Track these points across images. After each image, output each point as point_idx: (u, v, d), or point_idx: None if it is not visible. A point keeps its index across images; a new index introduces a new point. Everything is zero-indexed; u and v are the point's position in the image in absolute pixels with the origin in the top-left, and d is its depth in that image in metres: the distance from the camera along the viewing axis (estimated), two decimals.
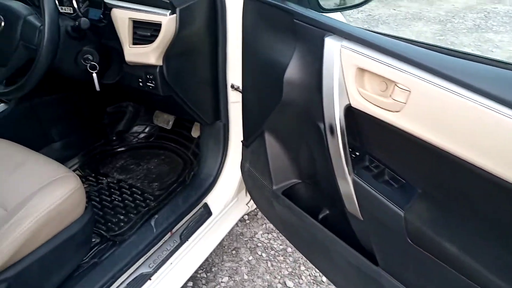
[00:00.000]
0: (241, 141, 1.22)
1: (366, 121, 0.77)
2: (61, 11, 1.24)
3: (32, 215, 0.93)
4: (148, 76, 1.12)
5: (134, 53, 1.08)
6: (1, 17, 1.00)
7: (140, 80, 1.14)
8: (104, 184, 1.56)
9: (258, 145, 1.12)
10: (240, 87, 1.25)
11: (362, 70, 0.75)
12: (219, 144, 1.39)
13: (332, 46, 0.77)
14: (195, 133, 1.67)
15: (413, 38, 4.45)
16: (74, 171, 1.62)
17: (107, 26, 1.12)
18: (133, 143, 1.79)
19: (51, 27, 0.94)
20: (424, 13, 5.23)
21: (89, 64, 1.12)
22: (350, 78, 0.76)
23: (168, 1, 1.01)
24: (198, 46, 1.17)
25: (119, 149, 1.76)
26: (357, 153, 0.84)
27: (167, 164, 1.68)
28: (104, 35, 1.15)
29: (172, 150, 1.74)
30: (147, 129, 1.83)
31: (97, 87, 1.15)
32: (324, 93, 0.79)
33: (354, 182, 0.80)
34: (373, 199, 0.78)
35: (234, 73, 1.26)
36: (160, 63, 1.09)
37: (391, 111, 0.71)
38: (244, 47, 1.07)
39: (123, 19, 1.05)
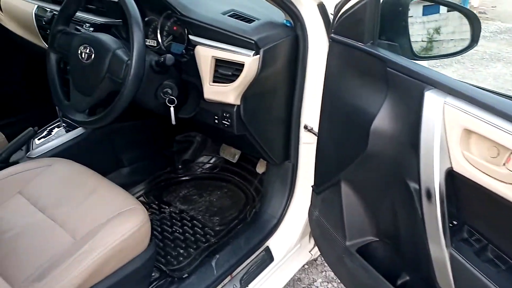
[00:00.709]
0: (312, 187, 1.16)
1: (469, 188, 0.67)
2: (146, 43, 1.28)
3: (99, 248, 0.92)
4: (224, 114, 1.10)
5: (214, 91, 1.07)
6: (92, 49, 1.04)
7: (216, 117, 1.13)
8: (166, 213, 1.56)
9: (332, 194, 1.05)
10: (314, 129, 1.20)
11: (468, 131, 0.66)
12: (285, 185, 1.34)
13: (433, 101, 0.70)
14: (260, 169, 1.63)
15: (490, 79, 4.18)
16: (138, 197, 1.63)
17: (189, 62, 1.13)
18: (198, 173, 1.79)
19: (138, 62, 0.95)
20: (503, 54, 4.93)
21: (168, 98, 1.13)
22: (454, 139, 0.67)
23: (253, 42, 0.99)
24: (276, 86, 1.15)
25: (183, 178, 1.76)
26: (454, 222, 0.75)
27: (229, 198, 1.65)
28: (184, 70, 1.16)
29: (235, 184, 1.71)
30: (212, 160, 1.82)
31: (173, 121, 1.15)
32: (421, 152, 0.71)
33: (452, 257, 0.70)
34: (475, 279, 0.67)
35: (308, 114, 1.21)
36: (238, 102, 1.07)
37: (504, 182, 0.62)
38: (325, 90, 1.03)
39: (206, 57, 1.05)
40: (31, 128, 1.31)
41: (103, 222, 1.01)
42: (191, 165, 1.81)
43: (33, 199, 1.12)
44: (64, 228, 1.03)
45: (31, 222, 1.06)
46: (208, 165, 1.82)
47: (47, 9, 1.53)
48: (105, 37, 1.06)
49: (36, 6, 1.58)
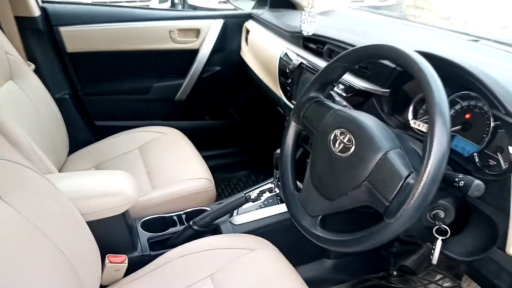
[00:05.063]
0: None
1: None
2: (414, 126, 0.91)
3: None
4: None
5: None
6: (353, 140, 0.73)
7: None
8: None
9: None
10: None
11: None
12: None
13: None
14: None
15: None
16: None
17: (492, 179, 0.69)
18: None
19: (429, 188, 0.57)
20: None
21: (438, 226, 0.72)
22: None
23: None
24: None
25: None
26: None
27: None
28: None
29: None
30: (445, 283, 1.31)
31: (435, 260, 0.74)
32: None
33: None
34: None
35: None
36: None
37: None
38: None
39: None
40: (245, 194, 1.11)
41: None
42: (411, 277, 1.35)
43: None
44: None
45: None
46: (434, 286, 1.32)
47: (295, 54, 1.34)
48: (375, 126, 0.72)
49: (284, 50, 1.40)
